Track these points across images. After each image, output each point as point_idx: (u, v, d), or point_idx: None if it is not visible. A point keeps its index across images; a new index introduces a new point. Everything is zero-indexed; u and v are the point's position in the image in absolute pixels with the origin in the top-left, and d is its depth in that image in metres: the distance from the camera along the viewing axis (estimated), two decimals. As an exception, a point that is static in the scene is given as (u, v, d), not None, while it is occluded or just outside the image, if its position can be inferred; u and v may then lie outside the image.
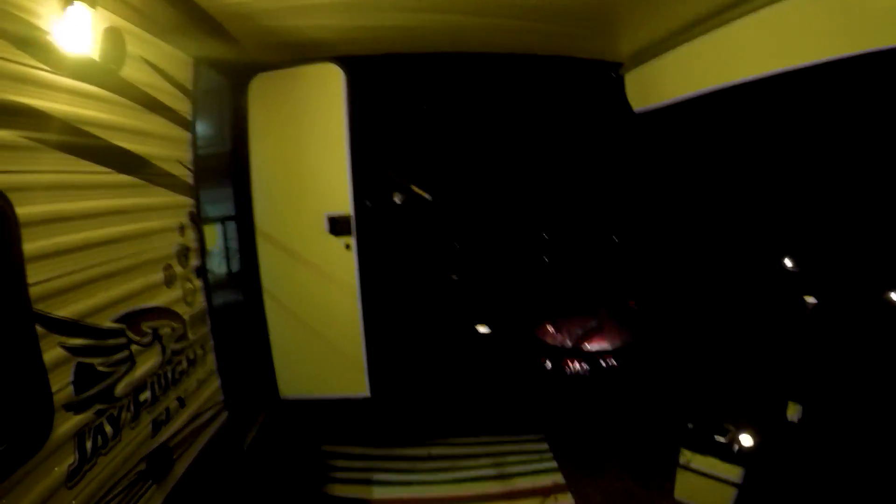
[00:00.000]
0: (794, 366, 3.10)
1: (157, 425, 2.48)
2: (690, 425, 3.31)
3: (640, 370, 4.14)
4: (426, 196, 4.68)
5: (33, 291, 1.80)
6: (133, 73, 2.45)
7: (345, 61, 3.80)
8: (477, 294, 4.78)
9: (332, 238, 3.88)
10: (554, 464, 3.81)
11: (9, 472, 1.60)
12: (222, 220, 3.88)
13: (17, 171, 1.76)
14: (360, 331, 3.94)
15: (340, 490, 3.64)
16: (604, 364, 4.30)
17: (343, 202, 3.86)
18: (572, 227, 4.96)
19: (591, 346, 4.38)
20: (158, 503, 2.37)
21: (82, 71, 2.07)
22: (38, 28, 1.81)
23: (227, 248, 3.94)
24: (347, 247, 3.87)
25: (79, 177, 2.08)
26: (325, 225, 3.87)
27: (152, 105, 2.64)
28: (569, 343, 4.39)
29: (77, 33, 1.98)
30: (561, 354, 4.34)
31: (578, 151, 4.79)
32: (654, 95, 3.68)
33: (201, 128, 3.40)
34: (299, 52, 3.74)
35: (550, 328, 4.54)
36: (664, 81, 3.53)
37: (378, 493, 3.62)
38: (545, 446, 4.03)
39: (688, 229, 4.32)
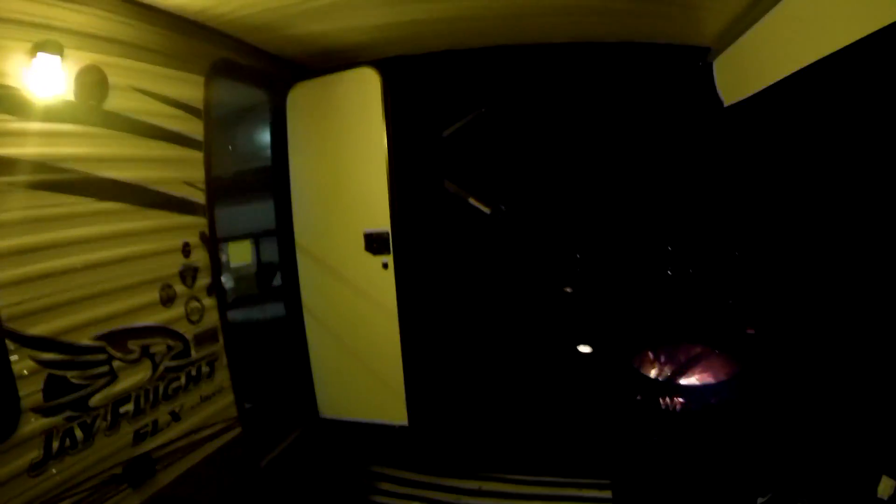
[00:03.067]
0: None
1: (141, 436, 3.19)
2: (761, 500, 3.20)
3: (741, 416, 3.96)
4: (485, 209, 4.92)
5: (5, 313, 2.54)
6: (121, 103, 3.17)
7: (383, 64, 4.26)
8: (556, 314, 4.94)
9: (371, 256, 4.37)
10: None
11: None
12: (260, 235, 4.58)
13: None
14: (400, 356, 4.40)
15: None
16: (702, 402, 4.16)
17: (382, 218, 4.33)
18: (681, 239, 4.84)
19: (691, 379, 4.26)
20: (136, 504, 3.07)
21: (55, 112, 2.79)
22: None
23: (262, 264, 4.64)
24: (385, 265, 4.33)
25: (51, 210, 2.79)
26: (363, 242, 4.39)
27: (146, 131, 3.35)
28: (667, 374, 4.32)
29: (45, 79, 2.69)
30: (657, 388, 4.28)
31: (663, 149, 4.73)
32: (747, 81, 3.51)
33: (237, 143, 4.13)
34: (336, 58, 4.30)
35: (651, 356, 4.49)
36: (761, 59, 3.33)
37: None
38: (607, 494, 4.14)
39: (819, 243, 3.99)
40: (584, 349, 4.79)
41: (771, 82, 3.14)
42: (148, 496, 3.17)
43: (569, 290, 4.91)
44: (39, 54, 2.63)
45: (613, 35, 3.98)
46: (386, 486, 4.48)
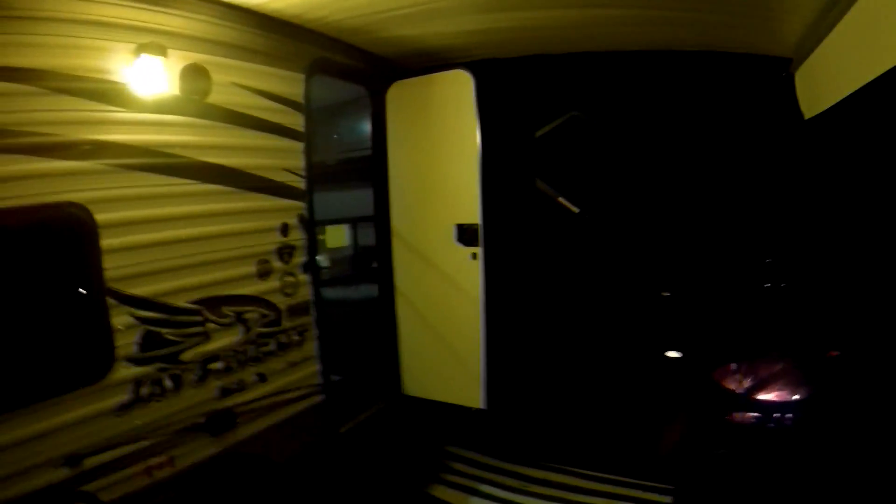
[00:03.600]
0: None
1: (226, 391, 3.58)
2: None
3: (811, 438, 3.67)
4: (572, 209, 4.89)
5: (108, 275, 3.01)
6: (224, 97, 3.57)
7: (475, 66, 4.43)
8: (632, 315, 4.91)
9: (460, 247, 4.55)
10: None
11: (69, 390, 2.80)
12: (356, 220, 4.89)
13: (97, 188, 2.96)
14: (481, 344, 4.52)
15: (439, 492, 4.44)
16: (775, 419, 3.94)
17: (472, 212, 4.48)
18: (779, 252, 4.60)
19: (768, 395, 4.03)
20: (212, 452, 3.46)
21: (161, 105, 3.22)
22: (108, 82, 2.99)
23: (357, 246, 4.95)
24: (474, 256, 4.48)
25: (154, 189, 3.23)
26: (453, 233, 4.57)
27: (248, 122, 3.74)
28: (745, 388, 4.10)
29: (149, 77, 3.12)
30: (733, 401, 4.09)
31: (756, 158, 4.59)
32: (824, 94, 3.25)
33: (337, 134, 4.45)
34: (431, 58, 4.56)
35: (733, 368, 4.28)
36: (835, 69, 3.09)
37: None
38: (667, 500, 4.10)
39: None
40: (673, 354, 4.60)
41: (845, 94, 2.85)
42: (226, 446, 3.56)
43: (666, 294, 4.74)
44: (142, 55, 3.04)
45: (698, 44, 3.99)
46: (458, 465, 4.74)
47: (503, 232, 4.80)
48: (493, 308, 4.51)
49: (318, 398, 4.27)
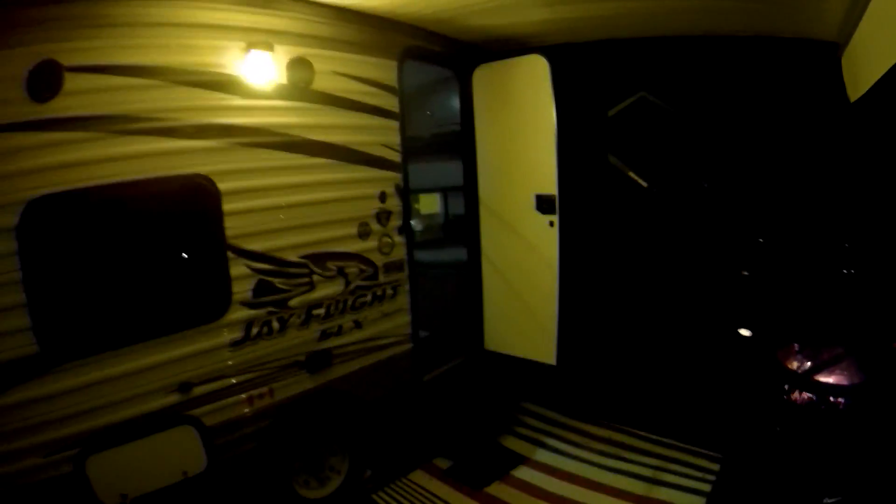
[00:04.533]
0: None
1: (326, 335, 4.16)
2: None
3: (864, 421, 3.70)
4: (642, 183, 5.03)
5: (228, 233, 3.65)
6: (326, 84, 4.09)
7: (550, 50, 4.68)
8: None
9: (539, 215, 4.84)
10: (707, 487, 4.02)
11: (193, 325, 3.50)
12: (447, 189, 5.31)
13: (219, 163, 3.60)
14: (555, 304, 4.81)
15: (510, 442, 4.87)
16: (831, 401, 3.94)
17: (550, 183, 4.77)
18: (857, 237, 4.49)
19: (827, 378, 4.05)
20: (308, 387, 4.06)
21: (271, 92, 3.79)
22: (226, 74, 3.58)
23: (447, 213, 5.36)
24: (551, 224, 4.79)
25: (267, 163, 3.80)
26: (533, 202, 4.87)
27: (349, 105, 4.24)
28: (805, 369, 4.10)
29: (261, 70, 3.70)
30: (793, 380, 4.11)
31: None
32: (863, 75, 3.22)
33: (428, 112, 4.89)
34: (511, 43, 4.89)
35: (796, 348, 4.26)
36: (872, 50, 3.02)
37: (539, 456, 4.66)
38: (715, 467, 4.25)
39: None
40: (745, 332, 4.60)
41: (879, 75, 2.76)
42: (322, 382, 4.15)
43: (745, 273, 4.72)
44: (252, 51, 3.61)
45: (753, 30, 4.17)
46: (529, 420, 5.14)
47: (578, 202, 5.07)
48: (567, 272, 4.78)
49: (406, 347, 4.77)
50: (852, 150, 4.31)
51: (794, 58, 4.37)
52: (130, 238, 3.34)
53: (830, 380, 4.07)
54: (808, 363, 4.25)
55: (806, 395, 4.06)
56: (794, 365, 4.26)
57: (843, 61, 3.77)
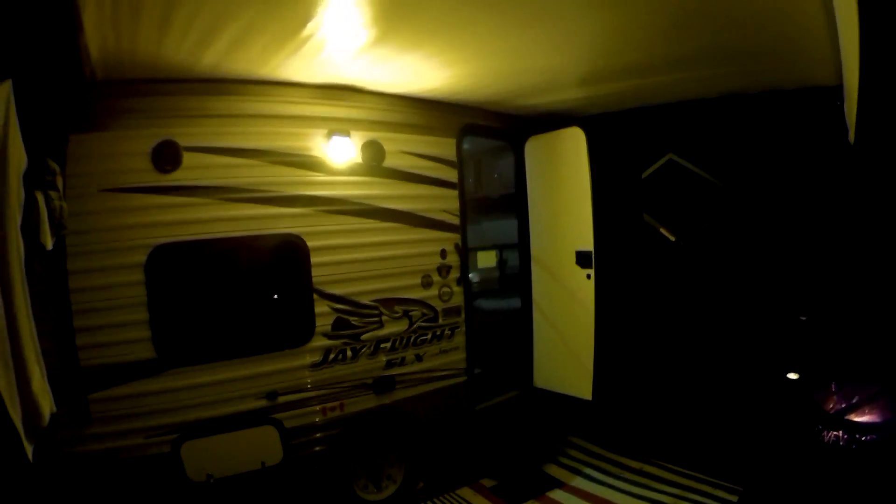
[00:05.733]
0: None
1: (391, 364, 4.94)
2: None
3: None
4: (670, 237, 5.48)
5: (315, 280, 4.57)
6: (395, 161, 4.99)
7: (591, 120, 5.45)
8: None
9: (579, 269, 5.45)
10: None
11: (283, 348, 4.39)
12: (501, 246, 6.13)
13: (308, 225, 4.54)
14: (592, 346, 5.36)
15: (551, 469, 5.38)
16: (862, 439, 4.02)
17: (587, 240, 5.40)
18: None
19: (859, 417, 4.15)
20: (373, 405, 4.82)
21: (349, 169, 4.73)
22: (312, 156, 4.57)
23: (501, 266, 6.05)
24: (589, 277, 5.37)
25: (347, 226, 4.71)
26: (574, 257, 5.50)
27: (413, 178, 5.12)
28: (839, 408, 4.28)
29: (340, 151, 4.66)
30: (828, 421, 4.28)
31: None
32: (850, 111, 3.54)
33: (485, 179, 5.73)
34: (555, 116, 5.66)
35: (833, 388, 4.42)
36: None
37: (575, 482, 5.13)
38: (734, 499, 4.47)
39: None
40: (793, 376, 4.78)
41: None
42: (385, 402, 4.90)
43: (804, 318, 4.88)
44: (333, 136, 4.60)
45: (762, 86, 4.62)
46: (572, 451, 5.63)
47: (614, 256, 5.70)
48: (604, 319, 5.34)
49: (461, 379, 5.44)
50: (859, 189, 4.49)
51: (799, 106, 4.67)
52: (236, 279, 4.34)
53: (863, 419, 4.21)
54: (843, 403, 4.38)
55: (835, 433, 4.21)
56: (830, 405, 4.41)
57: (846, 104, 3.94)
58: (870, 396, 4.29)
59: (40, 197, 3.08)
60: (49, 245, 3.12)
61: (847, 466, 4.11)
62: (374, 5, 3.17)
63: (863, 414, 4.25)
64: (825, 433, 4.28)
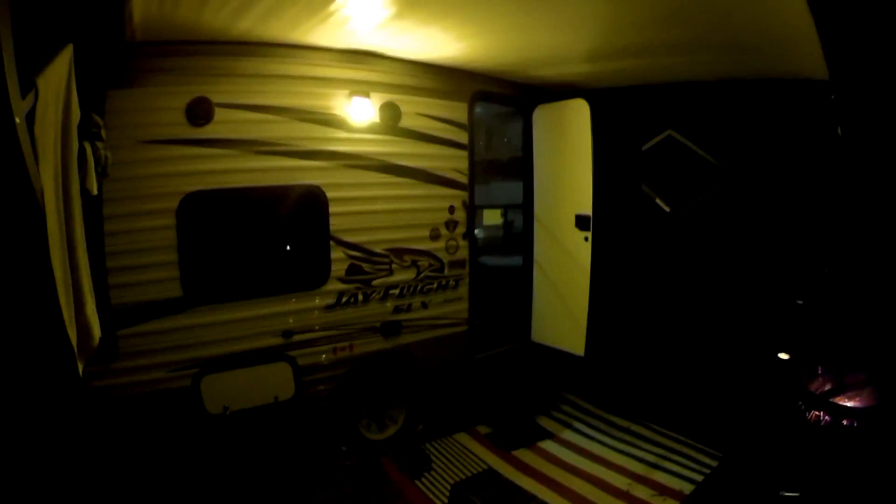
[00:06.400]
0: None
1: (398, 309, 5.33)
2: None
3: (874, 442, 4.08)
4: (665, 208, 5.79)
5: (332, 228, 4.91)
6: (410, 122, 5.28)
7: (592, 94, 5.64)
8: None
9: (578, 231, 5.75)
10: (700, 477, 4.68)
11: (299, 290, 4.77)
12: (506, 205, 6.50)
13: (328, 177, 4.86)
14: (586, 304, 5.70)
15: (544, 421, 5.83)
16: (845, 423, 4.27)
17: (587, 204, 5.70)
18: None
19: (843, 400, 4.37)
20: (380, 347, 5.23)
21: (368, 128, 5.01)
22: (334, 114, 4.85)
23: (505, 225, 6.40)
24: (586, 239, 5.70)
25: (364, 179, 5.03)
26: (573, 220, 5.81)
27: (427, 138, 5.40)
28: (824, 390, 4.49)
29: (360, 111, 4.94)
30: (812, 401, 4.48)
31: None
32: None
33: (493, 143, 6.00)
34: (563, 86, 5.88)
35: (820, 370, 4.63)
36: None
37: (565, 434, 5.56)
38: (714, 463, 4.85)
39: None
40: (783, 356, 4.94)
41: None
42: (392, 346, 5.31)
43: (800, 302, 5.03)
44: (354, 97, 4.88)
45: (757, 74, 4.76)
46: (566, 407, 6.07)
47: (611, 222, 6.00)
48: (598, 279, 5.67)
49: (462, 328, 5.84)
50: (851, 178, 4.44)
51: (795, 96, 4.81)
52: (259, 225, 4.67)
53: (847, 403, 4.30)
54: (829, 386, 4.46)
55: (821, 414, 4.33)
56: (815, 386, 4.52)
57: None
58: (856, 383, 4.39)
59: (88, 147, 3.40)
60: (94, 191, 3.43)
61: (825, 446, 4.27)
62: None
63: (847, 399, 4.35)
64: (808, 412, 4.43)
